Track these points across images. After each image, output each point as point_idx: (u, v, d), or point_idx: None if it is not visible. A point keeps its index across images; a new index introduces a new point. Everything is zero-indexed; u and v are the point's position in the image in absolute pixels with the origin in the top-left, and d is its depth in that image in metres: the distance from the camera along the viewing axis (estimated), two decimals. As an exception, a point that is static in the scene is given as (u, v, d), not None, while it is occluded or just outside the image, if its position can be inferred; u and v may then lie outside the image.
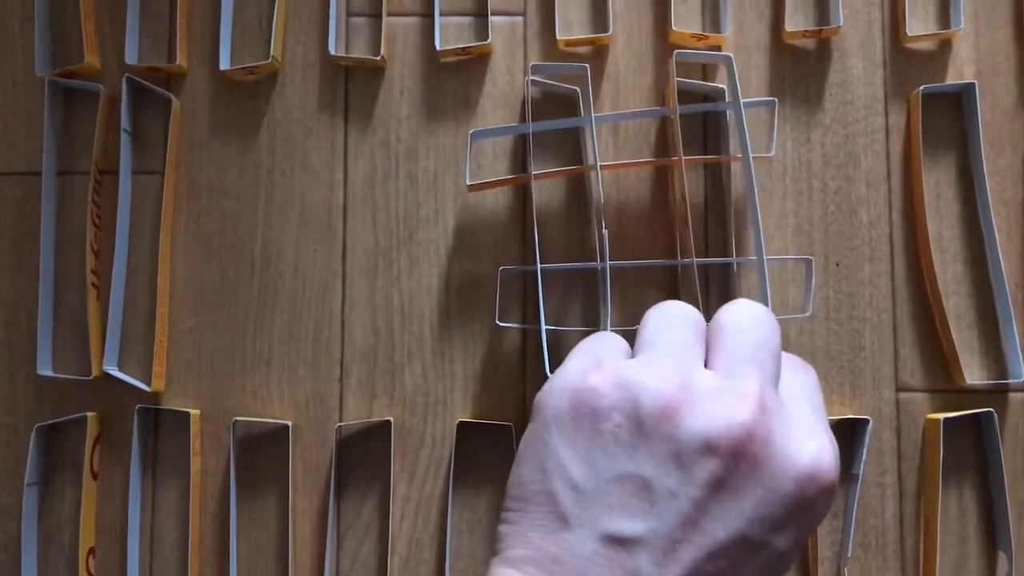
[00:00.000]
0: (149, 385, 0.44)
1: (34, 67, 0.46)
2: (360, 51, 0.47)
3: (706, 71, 0.46)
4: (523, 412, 0.44)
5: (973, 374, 0.44)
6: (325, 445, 0.44)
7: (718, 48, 0.46)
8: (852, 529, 0.43)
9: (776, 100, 0.44)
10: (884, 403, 0.44)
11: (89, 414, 0.44)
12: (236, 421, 0.44)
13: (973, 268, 0.45)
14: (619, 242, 0.45)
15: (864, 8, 0.46)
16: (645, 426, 0.26)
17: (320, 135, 0.46)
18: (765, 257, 0.41)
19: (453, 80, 0.46)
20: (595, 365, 0.28)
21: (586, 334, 0.44)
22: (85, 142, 0.46)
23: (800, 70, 0.46)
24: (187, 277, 0.46)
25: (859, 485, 0.43)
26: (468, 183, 0.43)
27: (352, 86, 0.47)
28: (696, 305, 0.42)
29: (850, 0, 0.46)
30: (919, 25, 0.46)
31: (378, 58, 0.45)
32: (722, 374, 0.27)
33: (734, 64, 0.41)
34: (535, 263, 0.42)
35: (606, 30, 0.46)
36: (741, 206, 0.45)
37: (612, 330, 0.41)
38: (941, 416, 0.43)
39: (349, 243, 0.46)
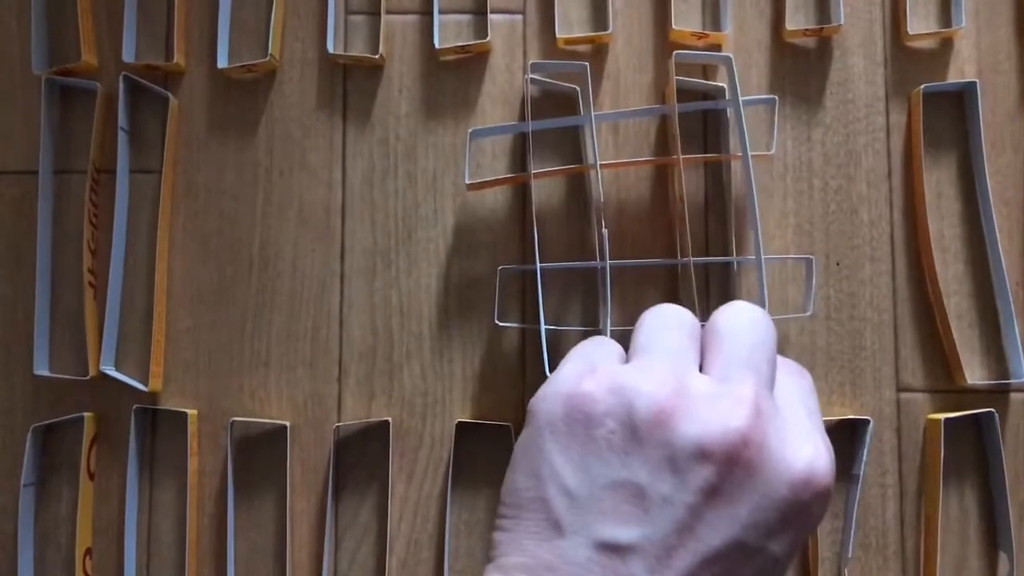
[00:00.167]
0: (146, 385, 0.44)
1: (31, 65, 0.45)
2: (359, 49, 0.47)
3: (707, 69, 0.46)
4: (522, 412, 0.44)
5: (974, 374, 0.44)
6: (323, 445, 0.44)
7: (718, 46, 0.46)
8: (853, 529, 0.43)
9: (776, 98, 0.44)
10: (885, 403, 0.44)
11: (86, 414, 0.44)
12: (234, 421, 0.44)
13: (974, 267, 0.45)
14: (619, 241, 0.45)
15: (865, 6, 0.46)
16: (639, 432, 0.25)
17: (318, 134, 0.46)
18: (763, 257, 0.41)
19: (452, 78, 0.46)
20: (589, 370, 0.28)
21: (586, 334, 0.44)
22: (82, 141, 0.46)
23: (801, 69, 0.46)
24: (185, 276, 0.45)
25: (860, 485, 0.43)
26: (467, 182, 0.43)
27: (351, 84, 0.46)
28: (693, 304, 0.42)
29: (851, -2, 0.46)
30: (920, 24, 0.46)
31: (377, 56, 0.45)
32: (717, 378, 0.27)
33: (733, 64, 0.41)
34: (534, 262, 0.42)
35: (606, 28, 0.46)
36: (741, 205, 0.45)
37: (611, 330, 0.41)
38: (942, 416, 0.43)
39: (348, 242, 0.45)
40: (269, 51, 0.45)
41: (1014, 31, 0.46)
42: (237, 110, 0.46)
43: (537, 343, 0.43)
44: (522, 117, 0.46)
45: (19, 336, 0.45)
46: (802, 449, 0.26)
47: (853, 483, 0.43)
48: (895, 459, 0.44)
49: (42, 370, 0.44)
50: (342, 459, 0.44)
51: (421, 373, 0.45)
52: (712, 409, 0.26)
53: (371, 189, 0.46)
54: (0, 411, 0.45)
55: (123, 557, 0.43)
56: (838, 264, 0.45)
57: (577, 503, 0.25)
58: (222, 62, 0.46)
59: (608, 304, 0.41)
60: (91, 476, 0.44)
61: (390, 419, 0.44)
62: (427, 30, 0.46)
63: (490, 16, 0.46)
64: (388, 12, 0.46)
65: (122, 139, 0.45)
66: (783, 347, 0.44)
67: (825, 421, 0.43)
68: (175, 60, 0.45)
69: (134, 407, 0.43)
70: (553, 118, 0.44)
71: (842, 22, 0.45)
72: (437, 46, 0.45)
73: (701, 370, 0.28)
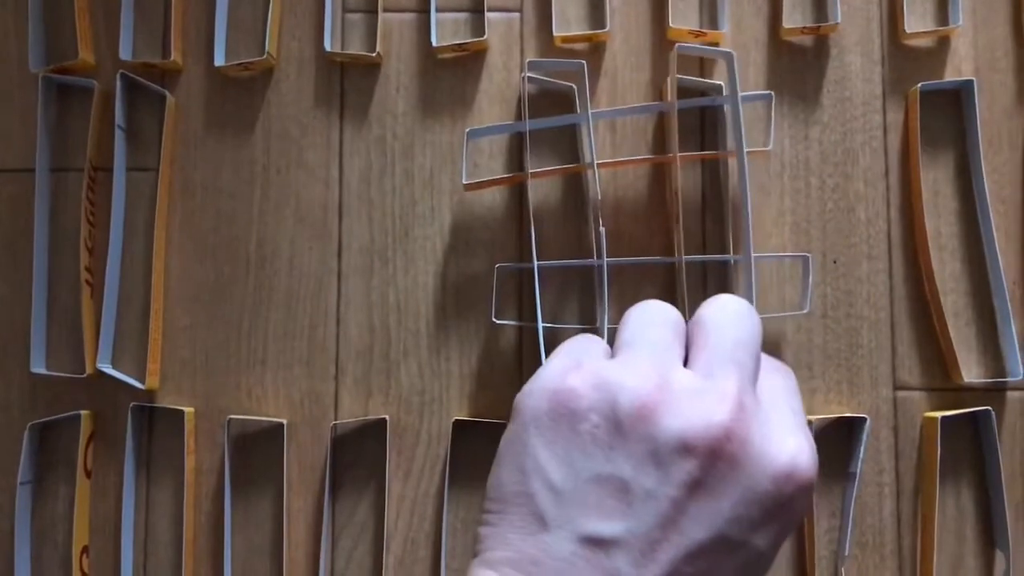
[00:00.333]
0: (143, 383, 0.44)
1: (28, 63, 0.45)
2: (356, 47, 0.47)
3: (704, 67, 0.46)
4: (519, 410, 0.44)
5: (971, 372, 0.44)
6: (320, 443, 0.44)
7: (716, 45, 0.46)
8: (849, 528, 0.43)
9: (772, 94, 0.44)
10: (882, 401, 0.44)
11: (83, 412, 0.44)
12: (231, 419, 0.44)
13: (971, 266, 0.45)
14: (616, 239, 0.45)
15: (862, 5, 0.46)
16: (623, 426, 0.26)
17: (316, 132, 0.46)
18: (753, 254, 0.41)
19: (449, 77, 0.46)
20: (574, 366, 0.28)
21: (583, 331, 0.44)
22: (79, 139, 0.46)
23: (798, 67, 0.46)
24: (182, 275, 0.45)
25: (856, 484, 0.43)
26: (464, 182, 0.43)
27: (348, 82, 0.46)
28: (684, 303, 0.42)
29: (848, -3, 0.46)
30: (917, 22, 0.46)
31: (374, 54, 0.45)
32: (701, 373, 0.27)
33: (735, 60, 0.41)
34: (532, 260, 0.42)
35: (603, 26, 0.46)
36: (739, 202, 0.45)
37: (608, 328, 0.41)
38: (939, 414, 0.43)
39: (345, 240, 0.45)
40: (266, 49, 0.45)
41: (1011, 29, 0.46)
42: (234, 108, 0.46)
43: (534, 341, 0.43)
44: (519, 115, 0.46)
45: (16, 334, 0.45)
46: (785, 443, 0.26)
47: (850, 481, 0.43)
48: (892, 457, 0.44)
49: (39, 368, 0.44)
50: (339, 457, 0.44)
51: (418, 371, 0.45)
52: (695, 404, 0.26)
53: (368, 187, 0.46)
54: (-3, 409, 0.45)
55: (120, 555, 0.43)
56: (835, 262, 0.45)
57: (561, 497, 0.26)
58: (219, 60, 0.46)
59: (605, 302, 0.41)
60: (88, 474, 0.44)
61: (387, 417, 0.44)
62: (424, 28, 0.46)
63: (487, 14, 0.46)
64: (385, 10, 0.46)
65: (119, 137, 0.45)
66: (780, 345, 0.44)
67: (822, 419, 0.43)
68: (172, 58, 0.45)
69: (131, 405, 0.43)
70: (550, 116, 0.44)
71: (839, 20, 0.45)
72: (434, 44, 0.45)
73: (686, 364, 0.28)
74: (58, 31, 0.46)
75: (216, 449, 0.44)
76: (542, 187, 0.45)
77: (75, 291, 0.45)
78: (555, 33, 0.45)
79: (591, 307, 0.45)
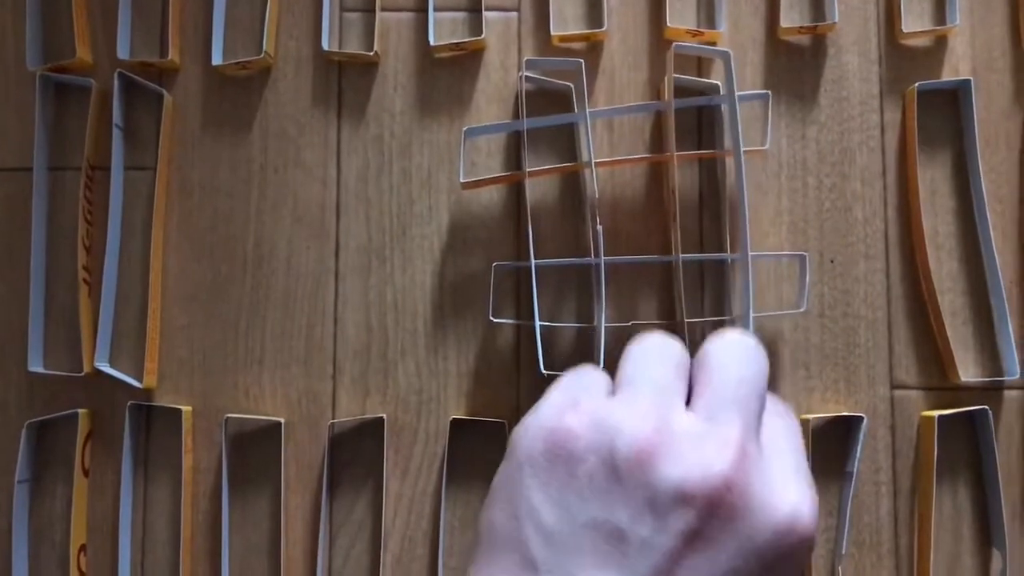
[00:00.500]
0: (141, 382, 0.44)
1: (25, 61, 0.45)
2: (353, 46, 0.47)
3: (701, 67, 0.46)
4: (517, 409, 0.44)
5: (968, 371, 0.44)
6: (318, 442, 0.44)
7: (713, 44, 0.46)
8: (846, 527, 0.43)
9: (769, 93, 0.44)
10: (879, 400, 0.44)
11: (80, 411, 0.44)
12: (228, 418, 0.44)
13: (968, 265, 0.45)
14: (613, 238, 0.45)
15: (860, 4, 0.46)
16: (620, 471, 0.25)
17: (313, 131, 0.46)
18: (750, 253, 0.41)
19: (447, 76, 0.46)
20: (572, 404, 0.27)
21: (580, 331, 0.44)
22: (76, 137, 0.46)
23: (795, 66, 0.46)
24: (179, 274, 0.45)
25: (853, 483, 0.43)
26: (462, 181, 0.43)
27: (345, 81, 0.46)
28: (681, 302, 0.42)
29: (845, -4, 0.46)
30: (915, 21, 0.46)
31: (371, 53, 0.45)
32: (703, 416, 0.27)
33: (732, 60, 0.41)
34: (529, 259, 0.42)
35: (601, 25, 0.46)
36: (736, 202, 0.45)
37: (605, 327, 0.41)
38: (936, 413, 0.43)
39: (342, 240, 0.45)
40: (264, 48, 0.45)
41: (1008, 29, 0.46)
42: (232, 107, 0.46)
43: (532, 340, 0.43)
44: (517, 114, 0.46)
45: (13, 332, 0.45)
46: (786, 494, 0.25)
47: (847, 480, 0.43)
48: (889, 456, 0.44)
49: (36, 366, 0.44)
50: (337, 456, 0.44)
51: (416, 370, 0.45)
52: (695, 450, 0.25)
53: (366, 186, 0.46)
54: (-6, 408, 0.45)
55: (118, 554, 0.43)
56: (832, 261, 0.45)
57: (554, 542, 0.25)
58: (217, 59, 0.46)
59: (603, 301, 0.41)
60: (85, 473, 0.44)
61: (385, 416, 0.44)
62: (422, 27, 0.46)
63: (485, 13, 0.46)
64: (383, 9, 0.46)
65: (117, 136, 0.45)
66: (777, 344, 0.44)
67: (819, 418, 0.43)
68: (170, 57, 0.45)
69: (128, 404, 0.43)
70: (548, 115, 0.44)
71: (837, 20, 0.45)
72: (432, 43, 0.45)
73: (689, 403, 0.28)
74: (56, 30, 0.46)
75: (214, 448, 0.44)
76: (540, 186, 0.45)
77: (73, 290, 0.45)
78: (553, 32, 0.45)
79: (588, 306, 0.45)
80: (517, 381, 0.44)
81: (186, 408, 0.44)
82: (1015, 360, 0.43)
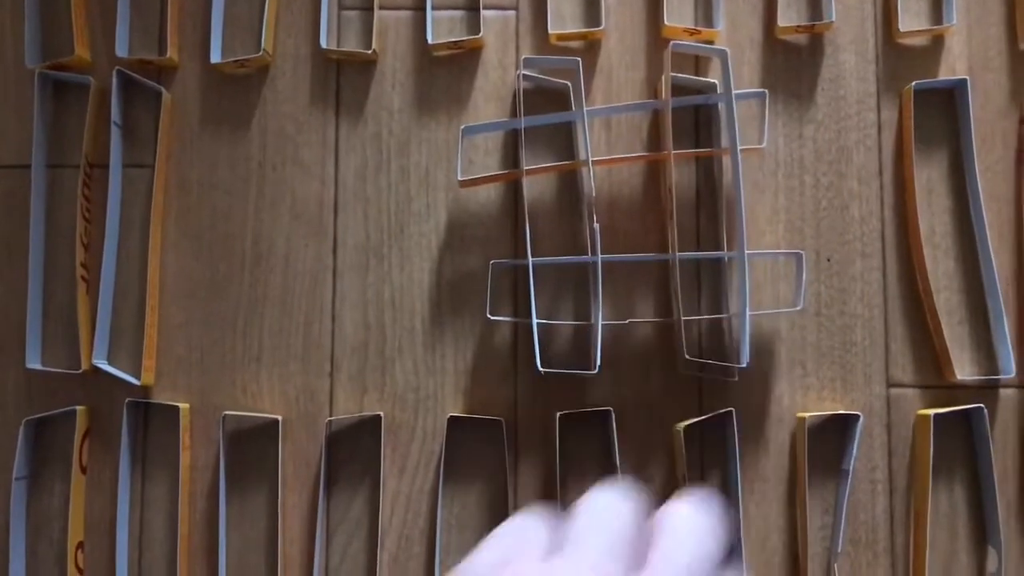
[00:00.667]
0: (139, 379, 0.44)
1: (24, 59, 0.45)
2: (352, 44, 0.47)
3: (699, 66, 0.46)
4: (514, 407, 0.44)
5: (964, 370, 0.44)
6: (315, 440, 0.44)
7: (710, 43, 0.46)
8: (842, 524, 0.43)
9: (767, 92, 0.44)
10: (875, 399, 0.44)
11: (78, 408, 0.44)
12: (226, 415, 0.44)
13: (964, 264, 0.45)
14: (611, 236, 0.45)
15: (857, 3, 0.46)
16: None
17: (311, 129, 0.46)
18: (747, 251, 0.41)
19: (445, 74, 0.46)
20: (502, 563, 0.25)
21: (577, 328, 0.45)
22: (75, 135, 0.46)
23: (793, 65, 0.46)
24: (177, 272, 0.46)
25: (849, 481, 0.43)
26: (459, 179, 0.43)
27: (344, 80, 0.46)
28: (678, 299, 0.42)
29: (843, -5, 0.46)
30: (911, 21, 0.46)
31: (370, 51, 0.45)
32: None
33: (729, 58, 0.41)
34: (527, 257, 0.42)
35: (598, 24, 0.46)
36: (733, 200, 0.45)
37: (602, 324, 0.41)
38: (932, 412, 0.43)
39: (340, 237, 0.46)
40: (262, 46, 0.45)
41: (1005, 28, 0.46)
42: (230, 105, 0.46)
43: (529, 337, 0.43)
44: (514, 112, 0.46)
45: (11, 330, 0.45)
46: None
47: (843, 478, 0.43)
48: (885, 454, 0.44)
49: (34, 364, 0.44)
50: (334, 454, 0.44)
51: (413, 368, 0.45)
52: None
53: (364, 184, 0.46)
54: (-8, 405, 0.45)
55: (115, 550, 0.43)
56: (829, 260, 0.45)
57: None
58: (215, 57, 0.46)
59: (599, 298, 0.41)
60: (83, 470, 0.44)
61: (382, 413, 0.44)
62: (420, 25, 0.46)
63: (483, 12, 0.46)
64: (381, 7, 0.46)
65: (115, 134, 0.45)
66: (774, 343, 0.45)
67: (815, 416, 0.43)
68: (168, 55, 0.46)
69: (126, 401, 0.44)
70: (545, 114, 0.45)
71: (834, 19, 0.45)
72: (430, 41, 0.45)
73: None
74: (54, 28, 0.47)
75: (211, 445, 0.44)
76: (537, 185, 0.45)
77: (71, 287, 0.45)
78: (550, 31, 0.45)
79: (585, 303, 0.45)
80: (514, 379, 0.45)
81: (184, 405, 0.44)
82: (1011, 359, 0.44)
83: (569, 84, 0.45)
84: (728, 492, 0.44)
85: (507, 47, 0.46)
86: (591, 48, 0.46)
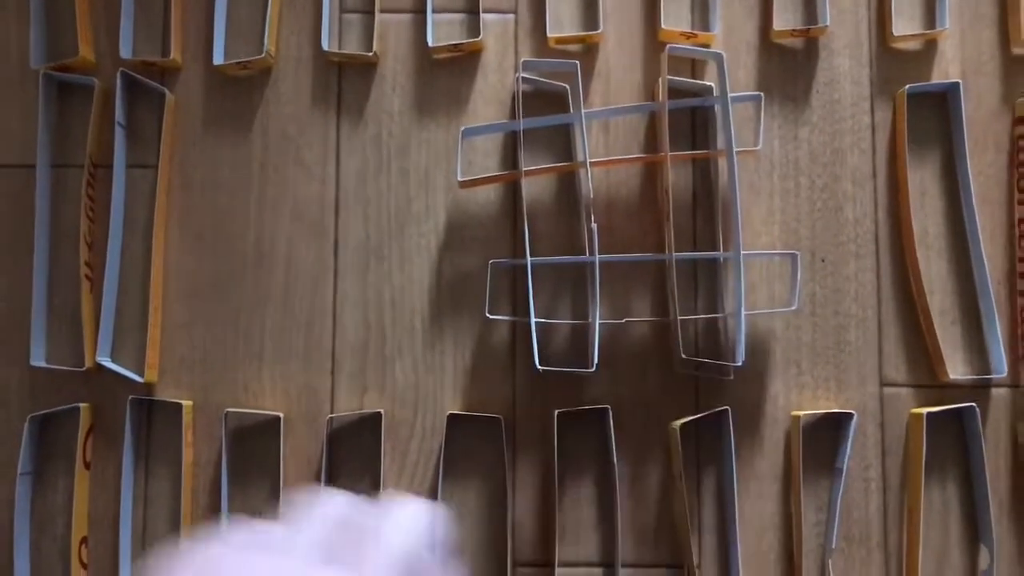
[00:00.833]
0: (142, 376, 0.44)
1: (28, 60, 0.46)
2: (353, 47, 0.47)
3: (695, 69, 0.47)
4: (512, 405, 0.45)
5: (956, 369, 0.45)
6: (316, 437, 0.45)
7: (707, 47, 0.46)
8: (836, 522, 0.43)
9: (762, 95, 0.45)
10: (868, 398, 0.45)
11: (82, 405, 0.44)
12: (228, 412, 0.44)
13: (957, 265, 0.46)
14: (608, 237, 0.45)
15: (851, 8, 0.47)
16: None
17: (313, 130, 0.47)
18: (743, 252, 0.42)
19: (445, 76, 0.47)
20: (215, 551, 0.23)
21: (575, 327, 0.45)
22: (79, 135, 0.46)
23: (788, 69, 0.47)
24: (180, 271, 0.46)
25: (843, 479, 0.43)
26: (459, 179, 0.44)
27: (345, 82, 0.47)
28: (674, 299, 0.42)
29: (837, 0, 0.47)
30: (905, 25, 0.47)
31: (371, 54, 0.46)
32: None
33: (725, 61, 0.42)
34: (525, 257, 0.42)
35: (596, 28, 0.46)
36: (729, 201, 0.46)
37: (599, 323, 0.41)
38: (924, 411, 0.43)
39: (341, 238, 0.46)
40: (265, 48, 0.46)
41: (997, 32, 0.47)
42: (233, 106, 0.47)
43: (527, 336, 0.44)
44: (513, 115, 0.46)
45: (16, 328, 0.45)
46: None
47: (837, 476, 0.44)
48: (878, 453, 0.45)
49: (39, 361, 0.45)
50: (335, 451, 0.45)
51: (413, 366, 0.45)
52: None
53: (364, 185, 0.46)
54: (-3, 402, 0.45)
55: (118, 546, 0.44)
56: (823, 261, 0.46)
57: None
58: (218, 59, 0.46)
59: (597, 298, 0.42)
60: (87, 466, 0.44)
61: (382, 411, 0.44)
62: (420, 28, 0.47)
63: (482, 15, 0.46)
64: (382, 11, 0.47)
65: (119, 134, 0.46)
66: (769, 342, 0.45)
67: (809, 415, 0.44)
68: (172, 56, 0.46)
69: (130, 398, 0.44)
70: (544, 116, 0.45)
71: (828, 23, 0.46)
72: (430, 44, 0.46)
73: None
74: (59, 29, 0.47)
75: (214, 442, 0.45)
76: (535, 186, 0.46)
77: (75, 286, 0.45)
78: (549, 34, 0.46)
79: (583, 303, 0.45)
80: (513, 377, 0.45)
81: (186, 403, 0.44)
82: (1002, 358, 0.44)
83: (567, 87, 0.46)
84: (724, 489, 0.44)
85: (506, 50, 0.47)
86: (589, 51, 0.47)
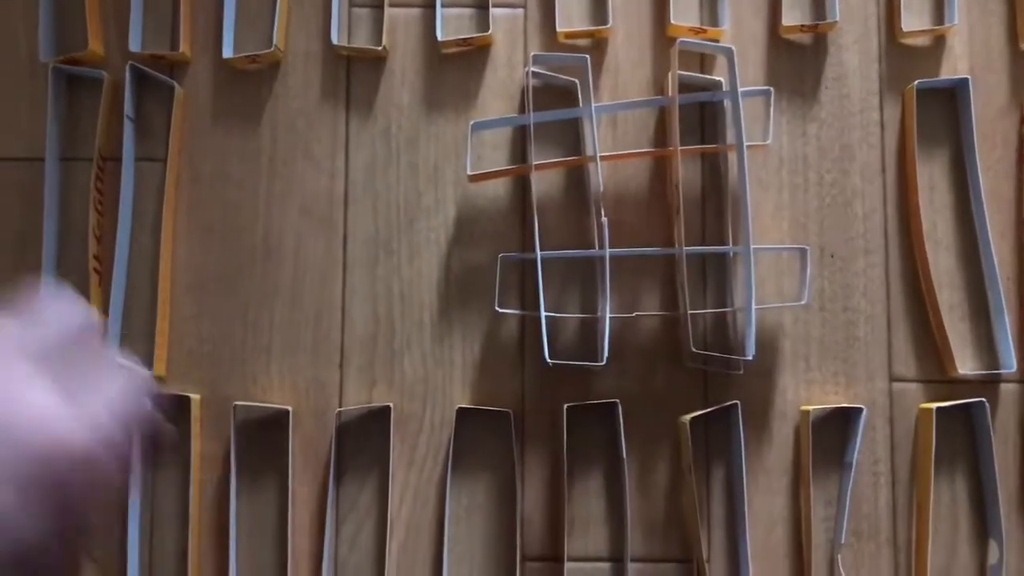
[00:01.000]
0: (151, 370, 0.44)
1: (38, 53, 0.46)
2: (362, 41, 0.47)
3: (704, 64, 0.47)
4: (521, 399, 0.45)
5: (965, 365, 0.45)
6: (325, 431, 0.45)
7: (715, 42, 0.46)
8: (845, 516, 0.43)
9: (771, 89, 0.45)
10: (877, 393, 0.45)
11: (90, 398, 0.44)
12: (237, 406, 0.44)
13: (966, 261, 0.46)
14: (617, 231, 0.45)
15: (860, 3, 0.47)
16: None
17: (322, 124, 0.47)
18: (752, 246, 0.42)
19: (454, 71, 0.47)
20: None
21: (584, 321, 0.45)
22: (88, 129, 0.46)
23: (797, 64, 0.47)
24: (189, 264, 0.46)
25: (852, 473, 0.43)
26: (469, 173, 0.44)
27: (354, 76, 0.47)
28: (685, 293, 0.42)
29: (846, -5, 0.47)
30: (914, 21, 0.47)
31: (380, 48, 0.46)
32: None
33: (734, 55, 0.42)
34: (534, 251, 0.42)
35: (606, 22, 0.46)
36: (738, 196, 0.46)
37: (610, 317, 0.41)
38: (934, 406, 0.43)
39: (350, 231, 0.46)
40: (274, 42, 0.46)
41: (1006, 29, 0.47)
42: (242, 100, 0.47)
43: (536, 330, 0.44)
44: (522, 109, 0.46)
45: (24, 321, 0.45)
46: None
47: (846, 471, 0.44)
48: (887, 448, 0.45)
49: (47, 354, 0.45)
50: (343, 444, 0.45)
51: (422, 360, 0.45)
52: None
53: (373, 179, 0.46)
54: (4, 395, 0.45)
55: (127, 538, 0.44)
56: (832, 256, 0.46)
57: None
58: (227, 52, 0.46)
59: (607, 292, 0.42)
60: (95, 459, 0.44)
61: (391, 405, 0.44)
62: (430, 23, 0.47)
63: (492, 9, 0.46)
64: (391, 5, 0.47)
65: (128, 127, 0.46)
66: (778, 337, 0.45)
67: (819, 409, 0.44)
68: (181, 50, 0.46)
69: (138, 391, 0.44)
70: (553, 110, 0.45)
71: (838, 19, 0.46)
72: (440, 39, 0.46)
73: None
74: (68, 22, 0.47)
75: (222, 436, 0.45)
76: (545, 180, 0.46)
77: (83, 279, 0.45)
78: (558, 29, 0.46)
79: (592, 297, 0.45)
80: (522, 371, 0.45)
81: (195, 396, 0.44)
82: (1012, 354, 0.44)
83: (577, 81, 0.46)
84: (733, 484, 0.44)
85: (516, 44, 0.47)
86: (598, 46, 0.47)
